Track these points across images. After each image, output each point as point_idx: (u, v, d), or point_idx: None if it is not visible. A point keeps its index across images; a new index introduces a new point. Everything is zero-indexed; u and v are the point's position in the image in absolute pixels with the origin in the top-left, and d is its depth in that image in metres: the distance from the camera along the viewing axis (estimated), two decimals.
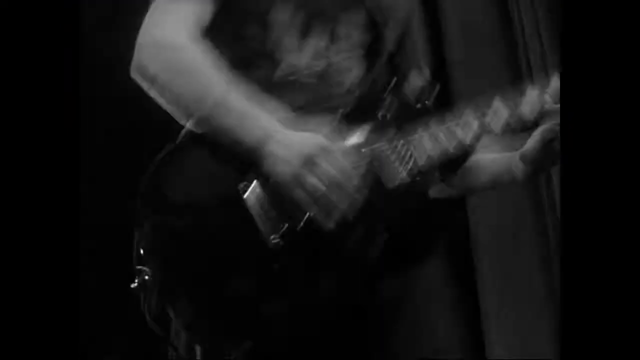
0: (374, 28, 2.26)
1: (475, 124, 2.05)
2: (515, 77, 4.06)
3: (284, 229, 1.96)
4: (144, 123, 3.38)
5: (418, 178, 2.06)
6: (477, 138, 2.06)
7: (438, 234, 2.16)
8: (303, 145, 1.96)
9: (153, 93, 2.05)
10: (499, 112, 2.05)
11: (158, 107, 2.08)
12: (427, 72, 2.27)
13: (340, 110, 2.10)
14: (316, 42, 2.17)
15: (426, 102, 2.15)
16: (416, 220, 2.10)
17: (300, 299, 1.96)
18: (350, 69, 2.21)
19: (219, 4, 2.12)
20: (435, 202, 2.23)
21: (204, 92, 2.00)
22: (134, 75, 2.08)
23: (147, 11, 2.13)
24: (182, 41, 2.04)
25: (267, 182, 1.97)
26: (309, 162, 1.94)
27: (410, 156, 2.06)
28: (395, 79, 2.17)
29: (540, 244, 4.12)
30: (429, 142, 2.06)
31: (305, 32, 2.16)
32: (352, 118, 2.10)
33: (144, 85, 2.06)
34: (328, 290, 1.97)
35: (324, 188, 1.93)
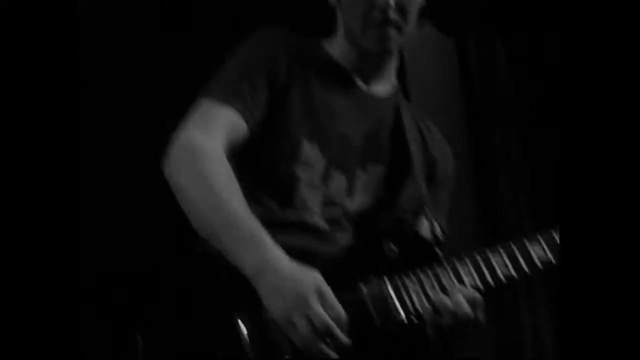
0: (391, 182, 2.31)
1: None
2: None
3: None
4: (143, 124, 3.43)
5: (416, 321, 2.06)
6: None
7: None
8: (299, 283, 1.94)
9: (175, 193, 2.06)
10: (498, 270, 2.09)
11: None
12: (430, 210, 2.30)
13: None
14: (334, 190, 2.23)
15: (436, 247, 2.21)
16: None
17: None
18: (361, 217, 2.26)
19: (254, 127, 2.17)
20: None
21: (221, 206, 2.00)
22: (164, 168, 2.09)
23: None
24: (213, 151, 2.07)
25: (260, 313, 1.97)
26: (303, 302, 1.92)
27: (411, 298, 2.07)
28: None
29: None
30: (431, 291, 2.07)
31: (325, 178, 2.22)
32: (354, 261, 2.13)
33: (170, 183, 2.08)
34: None
35: (313, 334, 1.92)
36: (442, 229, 2.34)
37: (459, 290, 2.05)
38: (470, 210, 4.30)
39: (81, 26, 1.83)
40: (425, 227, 2.27)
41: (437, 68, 4.44)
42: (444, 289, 2.06)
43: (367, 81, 2.33)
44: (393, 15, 2.19)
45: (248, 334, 1.98)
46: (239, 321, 1.99)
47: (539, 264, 2.09)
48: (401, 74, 2.46)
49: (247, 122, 2.15)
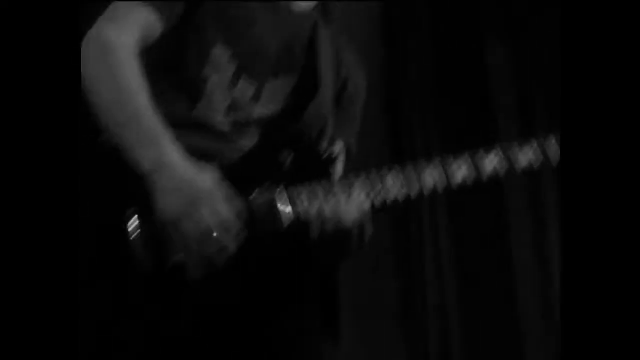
0: (299, 95, 2.30)
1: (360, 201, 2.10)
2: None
3: (156, 265, 1.98)
4: None
5: (299, 228, 2.08)
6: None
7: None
8: (192, 185, 1.96)
9: (83, 85, 2.03)
10: (391, 190, 2.12)
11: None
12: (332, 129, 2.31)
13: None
14: (240, 94, 2.22)
15: (331, 153, 2.24)
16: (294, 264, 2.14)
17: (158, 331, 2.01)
18: (265, 124, 2.26)
19: (168, 28, 2.14)
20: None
21: (125, 101, 2.00)
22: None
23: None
24: (123, 46, 2.05)
25: (150, 215, 1.97)
26: (193, 205, 1.95)
27: (298, 205, 2.09)
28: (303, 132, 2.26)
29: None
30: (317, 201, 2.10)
31: (234, 82, 2.21)
32: (253, 166, 2.15)
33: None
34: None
35: (198, 237, 1.95)
36: (348, 147, 2.38)
37: (347, 201, 2.09)
38: (379, 133, 4.37)
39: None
40: (325, 142, 2.30)
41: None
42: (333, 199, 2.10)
43: None
44: None
45: (137, 232, 1.99)
46: (129, 219, 1.99)
47: (433, 186, 2.15)
48: None
49: (162, 20, 2.13)
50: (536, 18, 4.44)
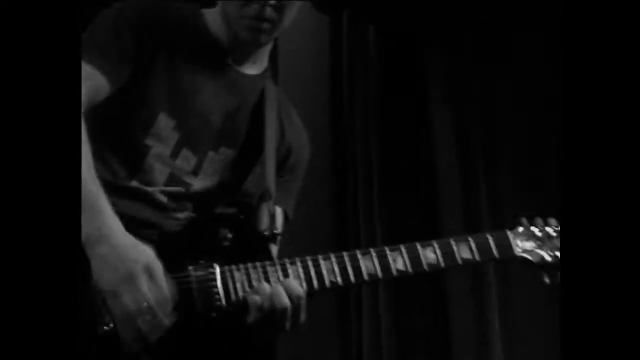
0: (239, 166, 2.31)
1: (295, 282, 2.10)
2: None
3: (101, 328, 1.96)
4: None
5: (234, 309, 2.06)
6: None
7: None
8: (130, 258, 1.94)
9: None
10: (325, 276, 2.13)
11: None
12: (273, 202, 2.29)
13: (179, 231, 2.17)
14: (181, 166, 2.22)
15: (274, 231, 2.23)
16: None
17: None
18: (203, 197, 2.26)
19: (114, 91, 2.13)
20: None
21: None
22: None
23: None
24: None
25: (88, 280, 1.95)
26: (130, 278, 1.93)
27: (235, 286, 2.08)
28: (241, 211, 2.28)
29: None
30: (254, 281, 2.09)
31: (175, 154, 2.21)
32: (190, 240, 2.14)
33: None
34: None
35: (134, 310, 1.93)
36: (286, 215, 2.38)
37: (282, 283, 2.07)
38: (324, 193, 4.37)
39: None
40: (265, 217, 2.28)
41: (309, 45, 4.47)
42: (268, 281, 2.08)
43: (238, 61, 2.31)
44: (270, 13, 2.17)
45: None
46: None
47: (365, 276, 2.14)
48: (273, 48, 2.43)
49: (110, 84, 2.11)
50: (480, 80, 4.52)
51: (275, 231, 2.25)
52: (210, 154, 2.26)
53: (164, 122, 2.19)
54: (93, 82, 2.09)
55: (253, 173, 2.33)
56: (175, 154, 2.21)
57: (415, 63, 4.54)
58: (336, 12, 4.52)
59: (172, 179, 2.22)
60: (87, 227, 1.91)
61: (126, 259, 1.93)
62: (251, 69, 2.34)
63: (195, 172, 2.24)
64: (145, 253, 1.96)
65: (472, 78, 4.50)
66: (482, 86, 4.50)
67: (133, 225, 2.00)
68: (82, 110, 2.02)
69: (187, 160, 2.23)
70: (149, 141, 2.18)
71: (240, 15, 2.18)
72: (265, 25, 2.19)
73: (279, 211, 2.33)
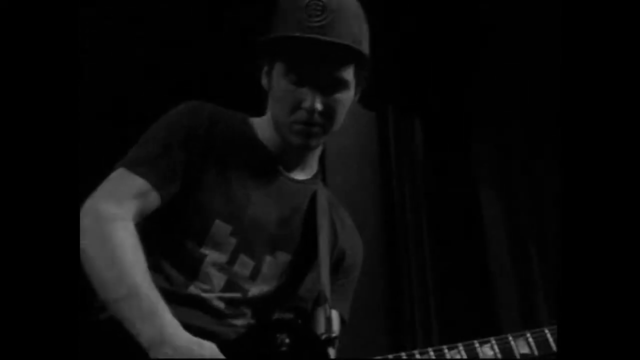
0: (295, 270, 2.32)
1: None
2: None
3: None
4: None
5: None
6: None
7: None
8: (196, 352, 1.96)
9: (81, 258, 2.04)
10: None
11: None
12: (329, 306, 2.29)
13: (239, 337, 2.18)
14: (238, 272, 2.23)
15: (331, 335, 2.22)
16: None
17: None
18: (260, 302, 2.27)
19: (165, 201, 2.17)
20: None
21: (123, 276, 2.01)
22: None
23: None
24: (121, 219, 2.08)
25: None
26: None
27: None
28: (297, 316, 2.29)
29: None
30: None
31: (232, 260, 2.22)
32: (248, 347, 2.15)
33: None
34: None
35: None
36: (342, 318, 2.37)
37: None
38: (378, 293, 4.35)
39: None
40: (321, 321, 2.26)
41: (356, 140, 4.51)
42: None
43: (288, 167, 2.33)
44: (318, 118, 2.19)
45: None
46: None
47: None
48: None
49: (161, 197, 2.15)
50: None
51: (332, 335, 2.22)
52: (268, 258, 2.26)
53: (220, 229, 2.20)
54: (144, 195, 2.13)
55: (308, 277, 2.32)
56: (232, 261, 2.21)
57: (463, 154, 4.55)
58: (382, 107, 4.56)
59: (230, 285, 2.21)
60: (148, 332, 1.94)
61: (190, 354, 1.94)
62: (301, 175, 2.36)
63: (252, 278, 2.24)
64: (210, 350, 1.98)
65: (519, 165, 4.48)
66: (530, 178, 4.47)
67: (189, 333, 2.00)
68: (135, 221, 2.07)
69: (244, 266, 2.23)
70: (204, 249, 2.19)
71: (290, 121, 2.22)
72: (315, 130, 2.22)
73: (335, 314, 2.32)
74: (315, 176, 2.40)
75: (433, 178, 4.53)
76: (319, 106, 2.17)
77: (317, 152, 2.38)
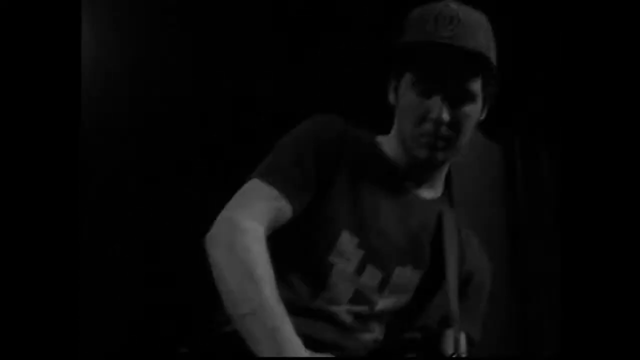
0: (423, 288, 2.30)
1: None
2: None
3: None
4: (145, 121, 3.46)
5: None
6: None
7: None
8: None
9: (212, 269, 2.06)
10: None
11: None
12: (458, 326, 2.25)
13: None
14: (366, 284, 2.22)
15: (459, 355, 2.19)
16: None
17: None
18: (387, 317, 2.26)
19: (297, 214, 2.17)
20: None
21: (252, 292, 1.99)
22: (205, 243, 2.10)
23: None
24: (254, 233, 2.07)
25: None
26: None
27: None
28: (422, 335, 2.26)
29: None
30: None
31: (360, 271, 2.21)
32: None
33: (209, 259, 2.08)
34: None
35: None
36: (471, 339, 2.31)
37: None
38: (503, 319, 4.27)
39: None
40: (449, 341, 2.22)
41: (482, 173, 4.47)
42: None
43: (415, 184, 2.32)
44: (445, 131, 2.18)
45: None
46: None
47: None
48: (447, 176, 2.43)
49: (293, 207, 2.15)
50: None
51: (461, 355, 2.20)
52: (397, 270, 2.24)
53: (347, 240, 2.19)
54: (278, 205, 2.14)
55: (437, 296, 2.30)
56: (359, 271, 2.20)
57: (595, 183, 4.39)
58: (508, 138, 4.51)
59: (357, 297, 2.20)
60: (268, 350, 1.93)
61: None
62: (428, 193, 2.35)
63: (380, 290, 2.23)
64: None
65: None
66: None
67: (316, 348, 1.99)
68: (268, 232, 2.09)
69: (372, 276, 2.21)
70: (332, 259, 2.19)
71: (416, 134, 2.21)
72: (441, 143, 2.20)
73: (462, 335, 2.26)
74: (441, 196, 2.38)
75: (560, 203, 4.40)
76: (446, 117, 2.16)
77: (444, 171, 2.36)
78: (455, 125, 2.17)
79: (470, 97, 2.19)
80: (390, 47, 2.26)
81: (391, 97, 2.30)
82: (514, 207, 4.47)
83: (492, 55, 2.22)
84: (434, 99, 2.17)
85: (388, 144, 2.34)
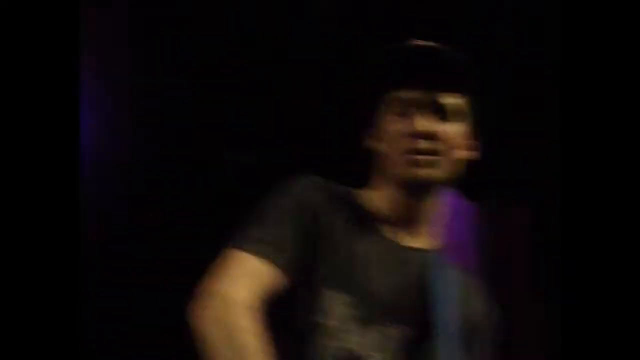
0: (414, 344, 2.23)
1: None
2: None
3: None
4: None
5: None
6: None
7: None
8: None
9: (199, 341, 2.01)
10: None
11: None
12: None
13: None
14: (352, 342, 2.15)
15: None
16: None
17: None
18: None
19: (289, 274, 2.13)
20: None
21: None
22: (189, 317, 2.05)
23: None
24: (242, 304, 2.02)
25: None
26: None
27: None
28: None
29: None
30: None
31: (347, 330, 2.16)
32: None
33: (194, 332, 2.03)
34: None
35: None
36: None
37: None
38: None
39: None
40: None
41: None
42: None
43: (398, 234, 2.26)
44: (424, 144, 2.14)
45: None
46: None
47: None
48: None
49: (284, 273, 2.10)
50: None
51: None
52: (386, 330, 2.18)
53: (332, 300, 2.14)
54: (265, 275, 2.09)
55: (430, 352, 2.21)
56: (347, 330, 2.15)
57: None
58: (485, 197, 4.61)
59: (344, 356, 2.14)
60: None
61: None
62: (414, 242, 2.28)
63: (370, 349, 2.16)
64: None
65: None
66: None
67: None
68: (257, 304, 2.03)
69: (361, 336, 2.16)
70: (317, 319, 2.13)
71: (397, 154, 2.17)
72: (422, 159, 2.15)
73: None
74: (434, 249, 2.31)
75: None
76: (421, 127, 2.13)
77: (433, 220, 2.29)
78: (436, 138, 2.14)
79: (453, 112, 2.16)
80: (365, 67, 2.24)
81: (370, 144, 2.26)
82: None
83: (472, 75, 2.20)
84: (410, 114, 2.15)
85: (367, 196, 2.28)
